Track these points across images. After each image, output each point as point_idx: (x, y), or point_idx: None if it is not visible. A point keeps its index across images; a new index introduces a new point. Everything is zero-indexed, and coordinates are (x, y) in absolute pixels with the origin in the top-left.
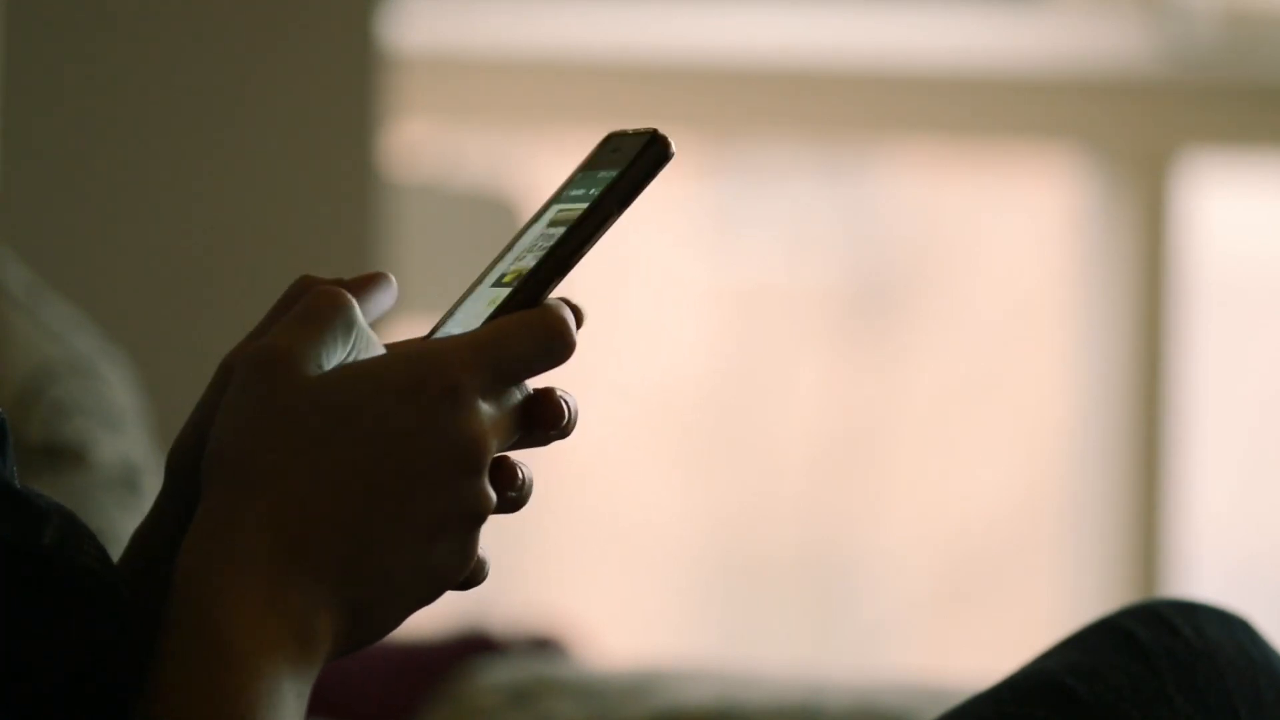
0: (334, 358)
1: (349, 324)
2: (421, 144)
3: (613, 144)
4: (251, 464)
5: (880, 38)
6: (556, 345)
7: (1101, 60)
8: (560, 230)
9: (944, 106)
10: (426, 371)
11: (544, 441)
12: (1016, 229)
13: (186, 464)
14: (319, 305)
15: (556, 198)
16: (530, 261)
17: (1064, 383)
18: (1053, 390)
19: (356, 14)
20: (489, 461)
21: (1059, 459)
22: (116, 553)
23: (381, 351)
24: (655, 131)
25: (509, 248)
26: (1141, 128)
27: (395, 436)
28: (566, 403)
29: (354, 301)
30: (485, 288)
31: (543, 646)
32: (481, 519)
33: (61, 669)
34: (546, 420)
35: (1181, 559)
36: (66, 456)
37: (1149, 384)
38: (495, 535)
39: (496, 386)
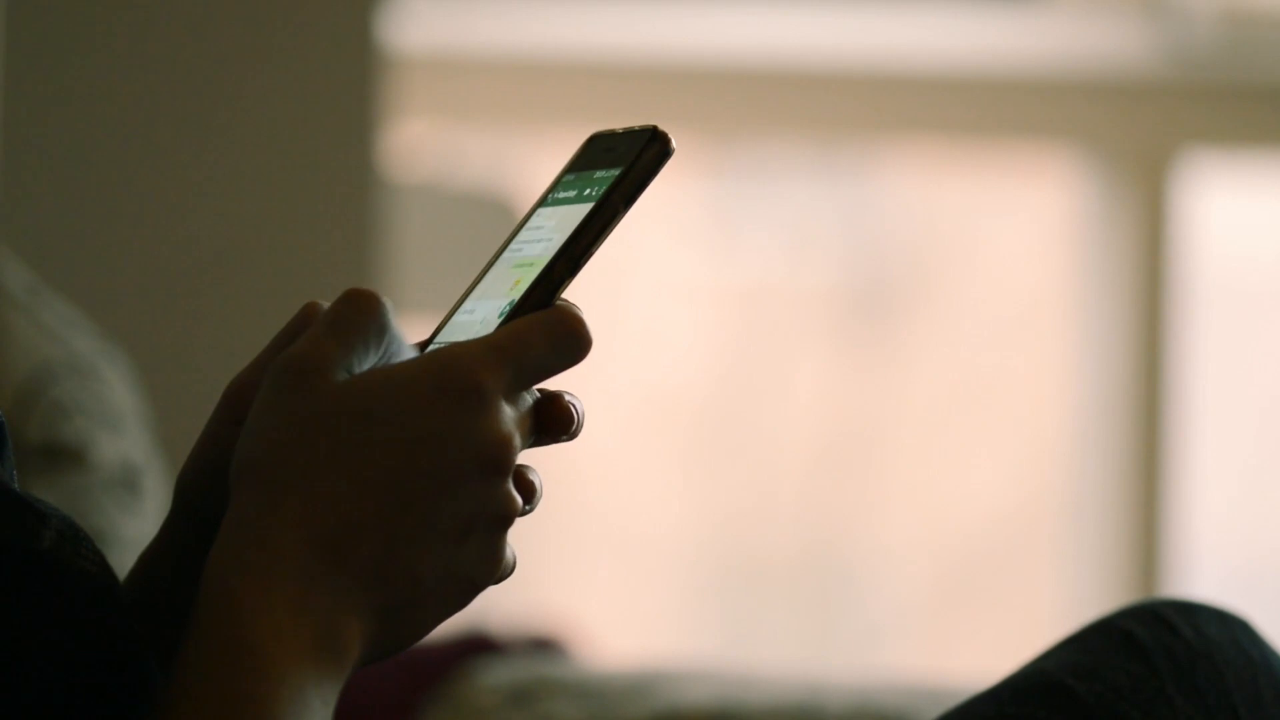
0: (365, 364)
1: (380, 329)
2: (421, 144)
3: (603, 143)
4: (280, 469)
5: (880, 38)
6: (573, 344)
7: (1101, 60)
8: (567, 231)
9: (944, 106)
10: (450, 374)
11: (549, 444)
12: (1016, 229)
13: (194, 489)
14: (349, 311)
15: (544, 200)
16: (539, 263)
17: (1064, 383)
18: (1053, 391)
19: (356, 14)
20: (514, 464)
21: (1059, 459)
22: (114, 551)
23: (412, 354)
24: (655, 128)
25: (500, 253)
26: (1141, 128)
27: (421, 440)
28: (575, 407)
29: (386, 304)
30: (481, 294)
31: (543, 646)
32: (508, 521)
33: (59, 671)
34: (557, 425)
35: (1181, 559)
36: (66, 457)
37: (1149, 384)
38: None
39: (517, 388)
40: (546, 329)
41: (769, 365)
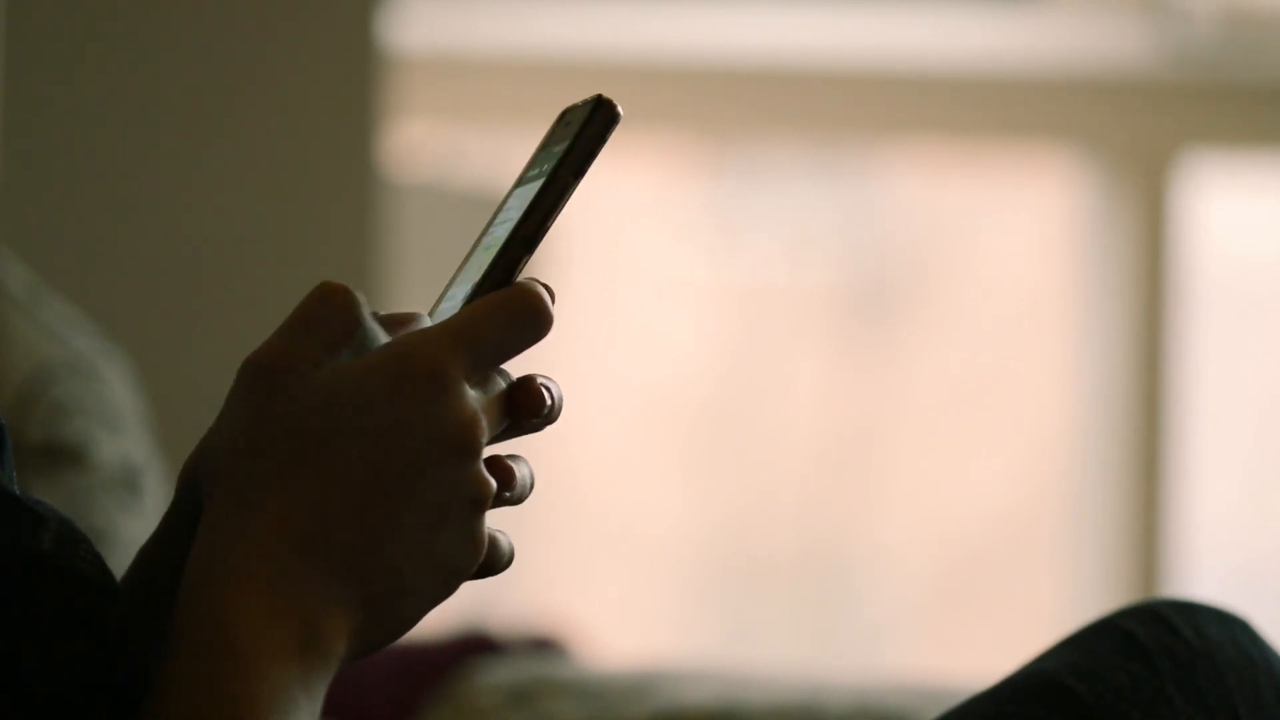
0: (335, 359)
1: (350, 325)
2: (421, 144)
3: (565, 118)
4: (252, 470)
5: (880, 38)
6: (531, 320)
7: (1101, 60)
8: (522, 209)
9: (944, 106)
10: (407, 362)
11: (531, 429)
12: (1017, 229)
13: (197, 474)
14: (319, 308)
15: (519, 181)
16: (499, 245)
17: (1064, 383)
18: (1053, 390)
19: (356, 14)
20: (483, 444)
21: (1059, 459)
22: (114, 551)
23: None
24: (600, 96)
25: (479, 240)
26: (1141, 128)
27: (386, 429)
28: (549, 389)
29: (359, 299)
30: (461, 280)
31: (543, 646)
32: (483, 504)
33: (58, 673)
34: (528, 407)
35: (1181, 559)
36: (66, 457)
37: (1149, 384)
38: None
39: (479, 369)
40: (502, 307)
41: (769, 365)
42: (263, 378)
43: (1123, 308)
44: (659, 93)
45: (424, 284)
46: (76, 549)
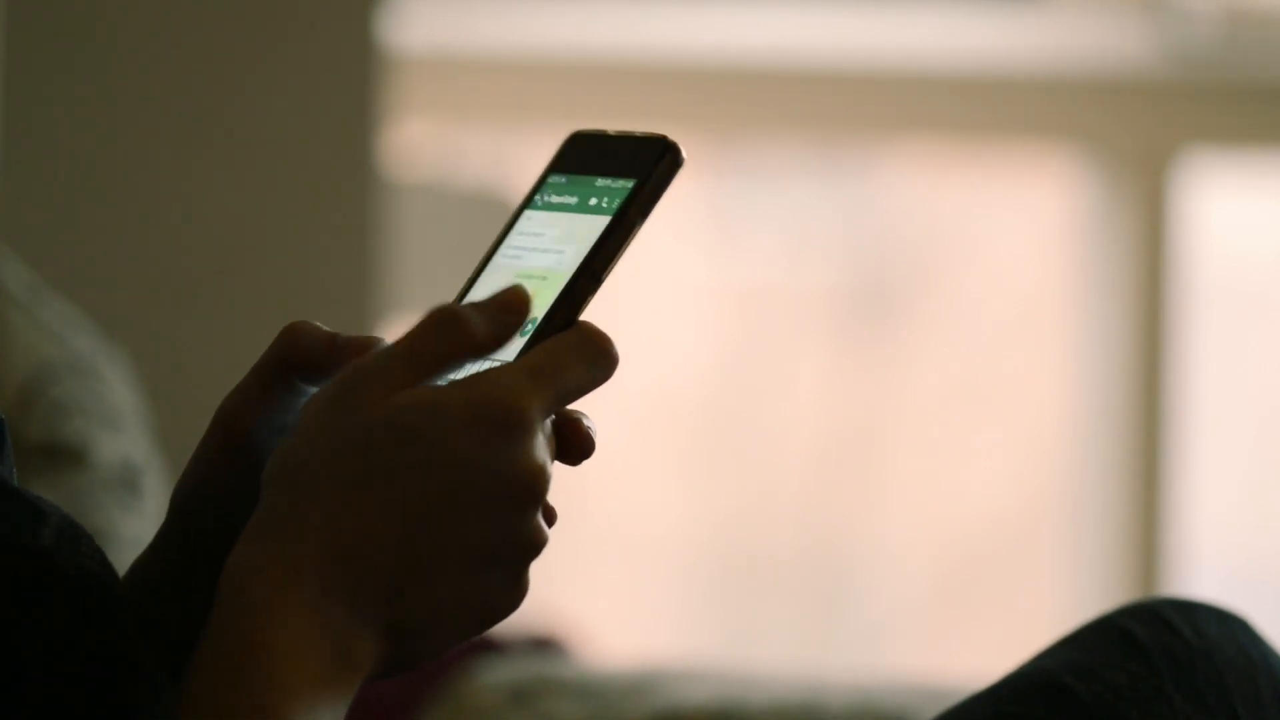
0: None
1: (449, 362)
2: (421, 144)
3: (594, 146)
4: (313, 475)
5: (880, 38)
6: (605, 363)
7: (1101, 60)
8: (583, 245)
9: (944, 106)
10: (488, 400)
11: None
12: (1017, 229)
13: (188, 506)
14: (432, 339)
15: (532, 203)
16: (554, 278)
17: (1064, 383)
18: (1053, 390)
19: (356, 14)
20: (547, 494)
21: (1059, 459)
22: (114, 551)
23: None
24: (666, 140)
25: (491, 255)
26: (1141, 128)
27: (454, 465)
28: (592, 431)
29: (476, 333)
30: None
31: (543, 646)
32: (535, 553)
33: (60, 668)
34: (579, 451)
35: (1181, 559)
36: (66, 456)
37: (1149, 384)
38: None
39: (551, 413)
40: (580, 350)
41: (769, 365)
42: (351, 394)
43: (1123, 308)
44: (659, 93)
45: (424, 284)
46: (78, 545)
